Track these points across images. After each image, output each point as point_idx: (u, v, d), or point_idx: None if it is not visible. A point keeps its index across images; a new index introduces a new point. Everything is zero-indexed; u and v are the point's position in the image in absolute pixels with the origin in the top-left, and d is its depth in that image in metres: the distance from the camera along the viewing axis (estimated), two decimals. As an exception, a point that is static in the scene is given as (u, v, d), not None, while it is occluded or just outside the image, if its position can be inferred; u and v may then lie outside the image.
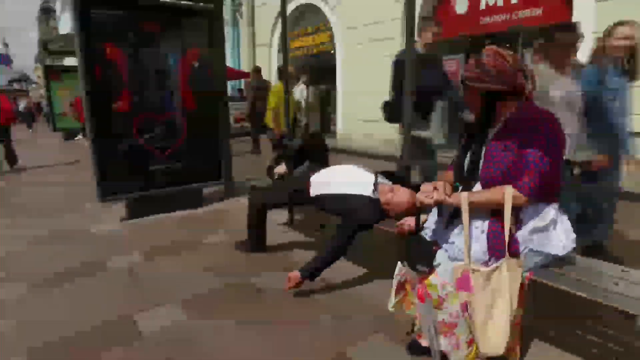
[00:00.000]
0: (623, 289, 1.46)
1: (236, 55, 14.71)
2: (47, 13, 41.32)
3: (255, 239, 3.09)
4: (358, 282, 2.63)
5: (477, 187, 1.57)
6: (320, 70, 11.53)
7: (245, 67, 13.79)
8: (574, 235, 1.58)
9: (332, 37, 10.06)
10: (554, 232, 1.55)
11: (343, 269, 2.75)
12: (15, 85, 24.19)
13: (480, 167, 1.56)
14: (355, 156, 3.79)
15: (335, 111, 10.42)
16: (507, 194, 1.43)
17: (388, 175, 2.54)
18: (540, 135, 1.44)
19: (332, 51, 10.14)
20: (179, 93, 4.22)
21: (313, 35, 10.99)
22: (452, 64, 7.04)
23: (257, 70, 7.69)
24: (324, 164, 3.01)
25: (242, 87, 14.90)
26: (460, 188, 1.60)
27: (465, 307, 1.50)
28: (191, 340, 2.06)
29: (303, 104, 6.47)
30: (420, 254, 1.56)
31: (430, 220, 1.76)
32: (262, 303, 2.42)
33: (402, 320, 2.01)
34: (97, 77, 3.66)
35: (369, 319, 2.18)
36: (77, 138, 12.03)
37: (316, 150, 3.16)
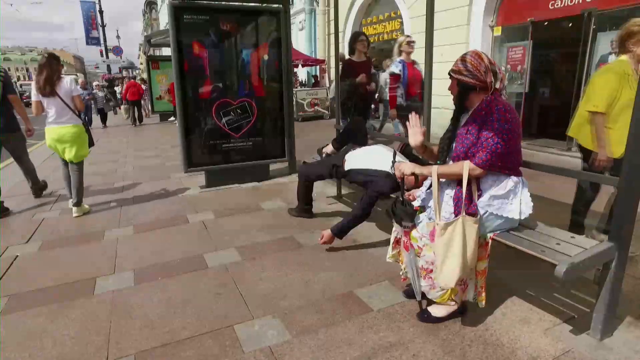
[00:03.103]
0: (561, 248, 1.79)
1: (313, 43, 15.39)
2: (150, 6, 45.96)
3: (303, 205, 3.71)
4: (382, 243, 3.12)
5: (450, 163, 1.99)
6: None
7: (320, 54, 14.41)
8: (531, 204, 1.93)
9: (402, 24, 10.22)
10: (512, 200, 1.91)
11: (373, 231, 3.32)
12: (124, 73, 27.68)
13: (452, 147, 1.97)
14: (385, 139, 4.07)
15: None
16: (465, 167, 1.84)
17: (406, 154, 2.97)
18: (494, 121, 1.81)
19: (402, 38, 10.30)
20: (251, 82, 4.96)
21: (384, 23, 11.22)
22: (519, 51, 6.93)
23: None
24: (362, 144, 3.50)
25: (317, 73, 15.63)
26: (438, 163, 2.03)
27: (437, 255, 1.95)
28: (241, 273, 2.75)
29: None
30: (405, 213, 2.02)
31: (421, 189, 2.21)
32: (299, 253, 3.04)
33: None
34: (186, 69, 4.52)
35: (380, 270, 2.68)
36: (170, 119, 13.72)
37: (358, 134, 3.65)
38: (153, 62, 13.82)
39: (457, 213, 1.90)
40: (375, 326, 2.10)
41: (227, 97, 4.82)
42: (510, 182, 1.90)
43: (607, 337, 1.93)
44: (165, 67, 13.71)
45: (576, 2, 6.15)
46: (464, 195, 1.84)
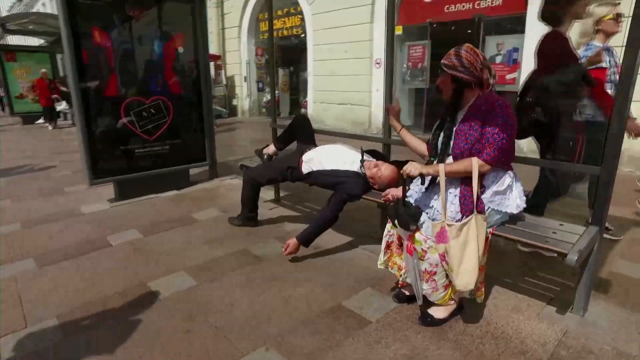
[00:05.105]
0: (559, 237, 1.90)
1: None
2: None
3: (248, 212, 3.36)
4: (347, 247, 2.99)
5: (449, 160, 1.95)
6: (291, 52, 11.71)
7: (214, 50, 13.62)
8: (525, 197, 1.99)
9: (302, 20, 10.20)
10: (510, 195, 1.95)
11: (334, 236, 3.14)
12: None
13: (452, 144, 1.93)
14: (335, 137, 3.88)
15: (305, 94, 10.65)
16: (474, 163, 1.81)
17: (372, 153, 2.88)
18: (498, 116, 1.82)
19: (303, 34, 10.29)
20: (165, 77, 4.35)
21: (284, 18, 11.06)
22: (419, 49, 7.44)
23: None
24: (309, 143, 3.31)
25: (212, 70, 14.73)
26: (435, 161, 1.97)
27: (443, 257, 1.88)
28: (205, 300, 2.34)
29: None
30: (409, 216, 1.91)
31: (413, 190, 2.13)
32: (263, 267, 2.72)
33: (388, 277, 2.40)
34: (85, 61, 3.75)
35: (359, 277, 2.54)
36: (38, 122, 11.60)
37: (303, 132, 3.44)
38: (7, 52, 11.45)
39: (463, 212, 1.85)
40: (382, 340, 1.96)
41: (138, 94, 4.16)
42: (507, 177, 1.93)
43: (586, 312, 2.10)
44: (25, 60, 11.56)
45: (468, 8, 6.82)
46: (475, 193, 1.80)
